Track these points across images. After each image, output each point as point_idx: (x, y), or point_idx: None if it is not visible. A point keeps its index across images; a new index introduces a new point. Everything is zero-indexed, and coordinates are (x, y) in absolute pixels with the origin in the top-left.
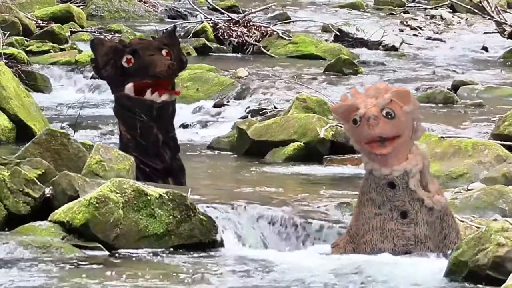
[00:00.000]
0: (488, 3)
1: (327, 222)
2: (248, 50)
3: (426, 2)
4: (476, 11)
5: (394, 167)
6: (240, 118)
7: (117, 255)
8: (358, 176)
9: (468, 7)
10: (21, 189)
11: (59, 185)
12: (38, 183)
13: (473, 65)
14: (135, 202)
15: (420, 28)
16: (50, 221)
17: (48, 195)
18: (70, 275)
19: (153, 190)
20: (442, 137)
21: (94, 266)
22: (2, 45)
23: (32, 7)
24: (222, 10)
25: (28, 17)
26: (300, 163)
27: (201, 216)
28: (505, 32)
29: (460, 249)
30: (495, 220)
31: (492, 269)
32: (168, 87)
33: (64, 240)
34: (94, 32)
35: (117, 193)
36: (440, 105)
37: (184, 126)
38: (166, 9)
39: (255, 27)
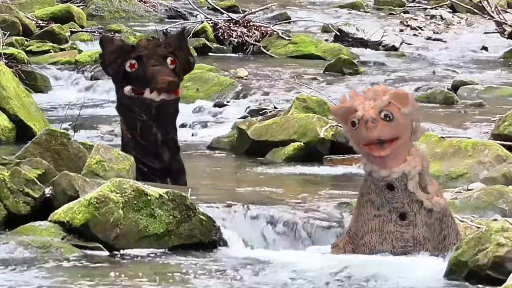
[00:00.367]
0: (488, 3)
1: (327, 222)
2: (248, 50)
3: (426, 2)
4: (476, 11)
5: (393, 169)
6: (240, 118)
7: (117, 255)
8: (358, 176)
9: (468, 7)
10: (21, 189)
11: (59, 185)
12: (38, 183)
13: (473, 65)
14: (135, 202)
15: (420, 28)
16: (50, 221)
17: (48, 195)
18: (70, 275)
19: (153, 190)
20: (442, 137)
21: (94, 266)
22: (2, 45)
23: (32, 7)
24: (222, 10)
25: (28, 17)
26: (300, 163)
27: (201, 216)
28: (505, 32)
29: (460, 249)
30: (495, 220)
31: (492, 269)
32: None
33: (64, 240)
34: (94, 32)
35: (117, 193)
36: (440, 105)
37: (184, 126)
38: (166, 9)
39: (255, 27)
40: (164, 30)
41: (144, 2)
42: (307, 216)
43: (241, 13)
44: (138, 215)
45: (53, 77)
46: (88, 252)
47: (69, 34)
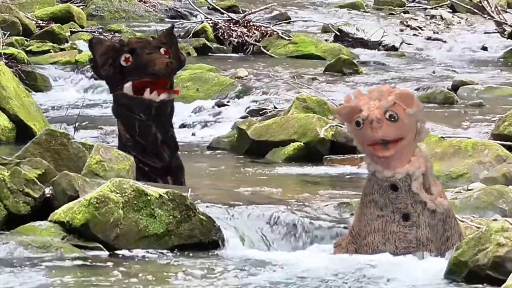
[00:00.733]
0: (488, 3)
1: (327, 222)
2: (248, 50)
3: (426, 2)
4: (476, 11)
5: (397, 170)
6: (240, 118)
7: (117, 255)
8: (358, 176)
9: (468, 7)
10: (21, 189)
11: (59, 185)
12: (38, 183)
13: (473, 65)
14: (135, 202)
15: (420, 28)
16: (50, 221)
17: (48, 195)
18: (70, 275)
19: (153, 190)
20: (442, 137)
21: (94, 266)
22: (2, 45)
23: (32, 7)
24: (222, 10)
25: (28, 17)
26: (300, 163)
27: (201, 216)
28: (505, 32)
29: (460, 249)
30: (495, 220)
31: (492, 269)
32: (167, 86)
33: (64, 240)
34: (94, 32)
35: (117, 193)
36: (440, 105)
37: (184, 126)
38: (166, 9)
39: (255, 27)
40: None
41: (144, 2)
42: (307, 216)
43: (241, 13)
44: (138, 215)
45: (53, 77)
46: (88, 252)
47: (69, 34)
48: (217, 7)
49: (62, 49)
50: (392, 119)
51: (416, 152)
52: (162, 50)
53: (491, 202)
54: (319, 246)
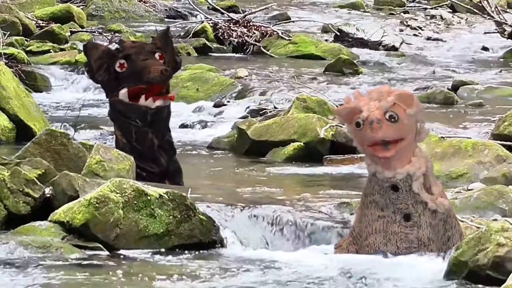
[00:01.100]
0: (488, 3)
1: (327, 222)
2: (248, 50)
3: (426, 2)
4: (476, 11)
5: (397, 170)
6: (240, 118)
7: (117, 255)
8: (358, 176)
9: (468, 7)
10: (21, 189)
11: (59, 185)
12: (38, 183)
13: (473, 65)
14: (135, 202)
15: (420, 28)
16: (50, 221)
17: (48, 195)
18: (70, 275)
19: (153, 190)
20: (442, 137)
21: (94, 266)
22: (2, 45)
23: (32, 7)
24: (222, 10)
25: (28, 17)
26: (300, 163)
27: (201, 216)
28: (505, 32)
29: (460, 249)
30: (495, 220)
31: (492, 269)
32: (162, 91)
33: (64, 240)
34: (94, 32)
35: (117, 193)
36: (440, 105)
37: (184, 126)
38: (166, 9)
39: (255, 27)
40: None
41: (144, 2)
42: (307, 216)
43: (241, 13)
44: (138, 215)
45: (53, 77)
46: (88, 252)
47: (69, 34)
48: (217, 7)
49: (62, 49)
50: (392, 120)
51: (416, 152)
52: (157, 55)
53: (491, 202)
54: (319, 246)
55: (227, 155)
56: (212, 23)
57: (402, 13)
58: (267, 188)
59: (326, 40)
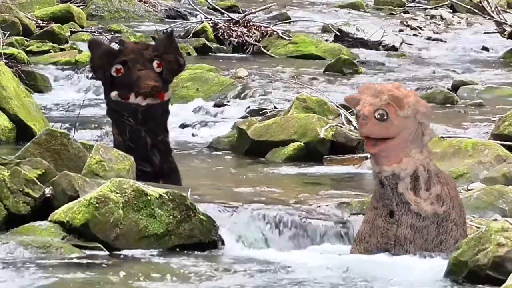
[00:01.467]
0: (488, 3)
1: (327, 222)
2: (248, 50)
3: (426, 2)
4: (476, 11)
5: (384, 167)
6: (240, 118)
7: (117, 255)
8: (358, 176)
9: (468, 7)
10: (21, 189)
11: (59, 185)
12: (38, 183)
13: (473, 65)
14: (135, 202)
15: (420, 28)
16: (50, 221)
17: (48, 195)
18: (70, 275)
19: (153, 190)
20: (442, 137)
21: (94, 266)
22: (2, 45)
23: (32, 7)
24: (222, 10)
25: (28, 17)
26: (300, 163)
27: (201, 216)
28: (505, 32)
29: (460, 249)
30: (495, 220)
31: (492, 269)
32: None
33: (64, 240)
34: (94, 32)
35: (117, 193)
36: (440, 105)
37: (184, 126)
38: (166, 9)
39: (255, 27)
40: (164, 30)
41: (144, 2)
42: (307, 216)
43: (241, 13)
44: (138, 215)
45: (53, 77)
46: (88, 252)
47: (69, 34)
48: (217, 7)
49: (62, 49)
50: (382, 118)
51: (411, 153)
52: (155, 63)
53: (491, 202)
54: (319, 246)
55: (227, 155)
56: (212, 23)
57: (402, 13)
58: (267, 188)
59: (326, 40)
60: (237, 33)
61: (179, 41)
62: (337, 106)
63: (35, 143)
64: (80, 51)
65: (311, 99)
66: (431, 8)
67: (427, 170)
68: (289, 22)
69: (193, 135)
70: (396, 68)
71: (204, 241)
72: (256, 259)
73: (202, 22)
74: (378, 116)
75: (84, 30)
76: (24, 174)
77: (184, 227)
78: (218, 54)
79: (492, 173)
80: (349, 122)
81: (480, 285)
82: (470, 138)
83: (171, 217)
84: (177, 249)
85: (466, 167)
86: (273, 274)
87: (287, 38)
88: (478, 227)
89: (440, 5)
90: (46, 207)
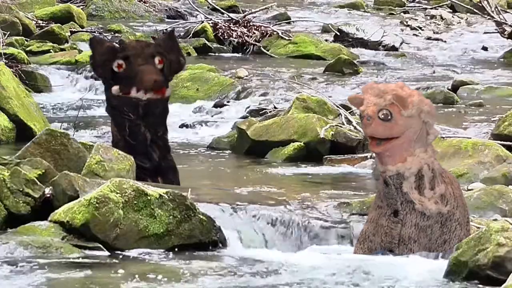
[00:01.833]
0: (488, 3)
1: (327, 222)
2: (248, 50)
3: (426, 2)
4: (476, 11)
5: (388, 167)
6: (240, 118)
7: (117, 255)
8: (358, 176)
9: (468, 7)
10: (21, 189)
11: (59, 185)
12: (38, 183)
13: (473, 65)
14: (135, 202)
15: (420, 28)
16: (50, 221)
17: (48, 195)
18: (70, 275)
19: (153, 190)
20: (442, 137)
21: (94, 266)
22: (2, 45)
23: (32, 7)
24: (222, 10)
25: (28, 17)
26: (300, 163)
27: (201, 216)
28: (505, 32)
29: (460, 249)
30: (495, 220)
31: (492, 269)
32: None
33: (64, 240)
34: (94, 32)
35: (117, 193)
36: (440, 105)
37: (184, 126)
38: (166, 9)
39: (255, 27)
40: (164, 30)
41: (144, 2)
42: (307, 216)
43: (241, 13)
44: (138, 215)
45: (53, 77)
46: (88, 252)
47: (69, 34)
48: (217, 7)
49: (62, 49)
50: (385, 118)
51: (416, 153)
52: (156, 59)
53: (491, 202)
54: (319, 246)
55: (227, 155)
56: (212, 23)
57: (402, 13)
58: (267, 188)
59: (326, 40)
60: (237, 33)
61: (179, 41)
62: (337, 106)
63: (35, 143)
64: (80, 51)
65: (311, 99)
66: (431, 8)
67: (432, 169)
68: (289, 22)
69: (193, 135)
70: (396, 68)
71: (204, 241)
72: (256, 259)
73: (202, 22)
74: (382, 116)
75: (84, 30)
76: (24, 174)
77: (184, 227)
78: (218, 54)
79: (492, 173)
80: (349, 122)
81: (480, 285)
82: (470, 138)
83: (171, 217)
84: (177, 249)
85: (466, 167)
86: (273, 274)
87: (287, 38)
88: (478, 227)
89: (440, 5)
90: (46, 207)
